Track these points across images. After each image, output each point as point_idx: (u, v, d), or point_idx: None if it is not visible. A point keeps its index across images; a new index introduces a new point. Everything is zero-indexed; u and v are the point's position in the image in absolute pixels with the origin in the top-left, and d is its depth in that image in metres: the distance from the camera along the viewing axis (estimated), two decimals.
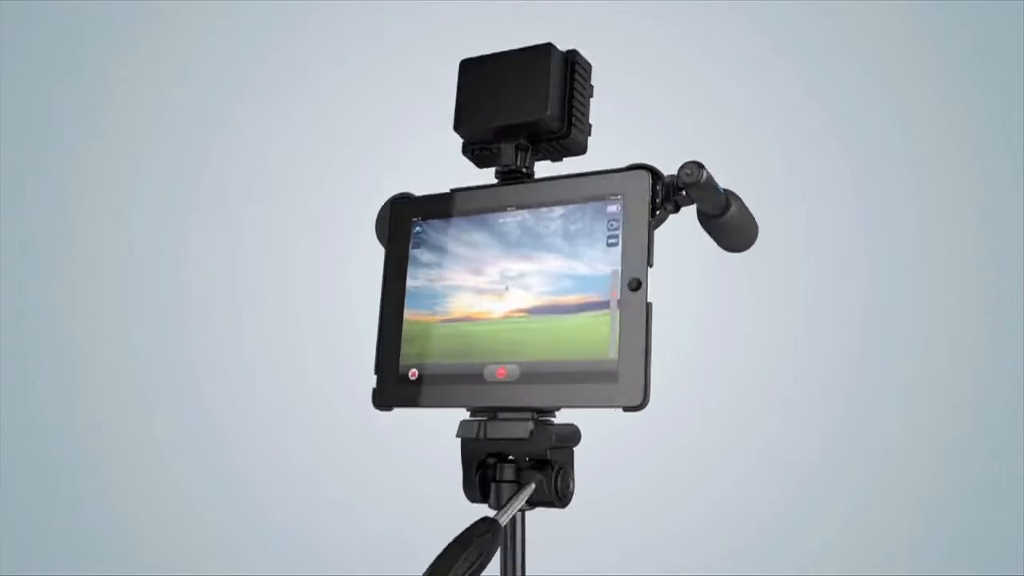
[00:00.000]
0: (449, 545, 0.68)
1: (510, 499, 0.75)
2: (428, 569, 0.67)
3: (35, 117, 1.60)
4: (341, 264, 1.60)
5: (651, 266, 0.75)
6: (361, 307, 1.60)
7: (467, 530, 0.70)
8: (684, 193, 0.76)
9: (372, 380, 0.83)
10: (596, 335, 0.75)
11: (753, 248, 0.88)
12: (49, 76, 1.60)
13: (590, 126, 0.85)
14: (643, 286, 0.74)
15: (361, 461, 1.54)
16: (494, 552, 0.71)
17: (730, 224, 0.81)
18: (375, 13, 1.59)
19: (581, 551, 1.43)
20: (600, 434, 0.81)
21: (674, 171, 0.76)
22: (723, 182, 0.79)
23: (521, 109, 0.81)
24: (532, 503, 0.77)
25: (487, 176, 0.88)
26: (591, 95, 0.85)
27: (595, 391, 0.74)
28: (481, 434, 0.77)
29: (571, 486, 0.77)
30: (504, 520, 0.72)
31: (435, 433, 0.84)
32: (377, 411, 0.82)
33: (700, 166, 0.74)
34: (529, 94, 0.81)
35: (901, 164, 1.61)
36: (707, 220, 0.81)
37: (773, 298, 1.57)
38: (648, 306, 0.74)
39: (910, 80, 1.60)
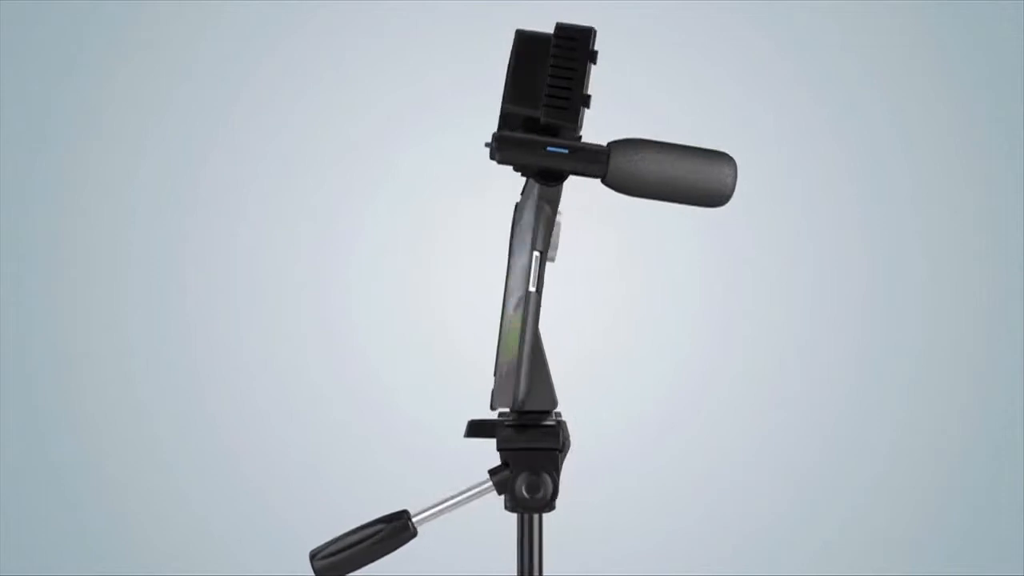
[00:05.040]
0: (352, 528, 0.71)
1: (459, 494, 0.74)
2: (318, 546, 0.70)
3: (35, 117, 1.60)
4: (342, 264, 1.60)
5: (537, 250, 0.70)
6: (362, 307, 1.60)
7: (377, 518, 0.72)
8: None
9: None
10: (517, 333, 0.75)
11: (752, 248, 0.86)
12: (49, 76, 1.60)
13: (584, 97, 0.76)
14: (531, 275, 0.71)
15: (362, 461, 1.54)
16: (390, 542, 0.71)
17: (626, 182, 0.72)
18: (375, 13, 1.59)
19: (581, 551, 1.43)
20: (601, 434, 0.80)
21: None
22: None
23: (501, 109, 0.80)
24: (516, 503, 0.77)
25: None
26: (587, 62, 0.77)
27: (502, 391, 0.74)
28: (464, 433, 0.79)
29: (542, 491, 0.75)
30: (420, 517, 0.72)
31: (437, 433, 0.84)
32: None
33: (495, 138, 0.68)
34: (503, 92, 0.79)
35: (901, 164, 1.61)
36: (605, 184, 0.73)
37: (773, 298, 1.57)
38: (528, 296, 0.70)
39: (910, 80, 1.60)
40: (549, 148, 0.69)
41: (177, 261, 1.60)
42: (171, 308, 1.60)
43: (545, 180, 0.71)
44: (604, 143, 0.76)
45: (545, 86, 0.76)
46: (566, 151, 0.70)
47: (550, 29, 0.79)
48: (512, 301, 0.78)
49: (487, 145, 0.68)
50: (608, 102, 0.82)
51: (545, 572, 0.79)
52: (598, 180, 0.71)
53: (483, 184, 0.87)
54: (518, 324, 0.73)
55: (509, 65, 0.76)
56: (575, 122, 0.76)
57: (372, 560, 0.70)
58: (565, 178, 0.71)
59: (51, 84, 1.60)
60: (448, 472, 0.85)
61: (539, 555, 0.78)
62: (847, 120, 1.61)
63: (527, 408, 0.78)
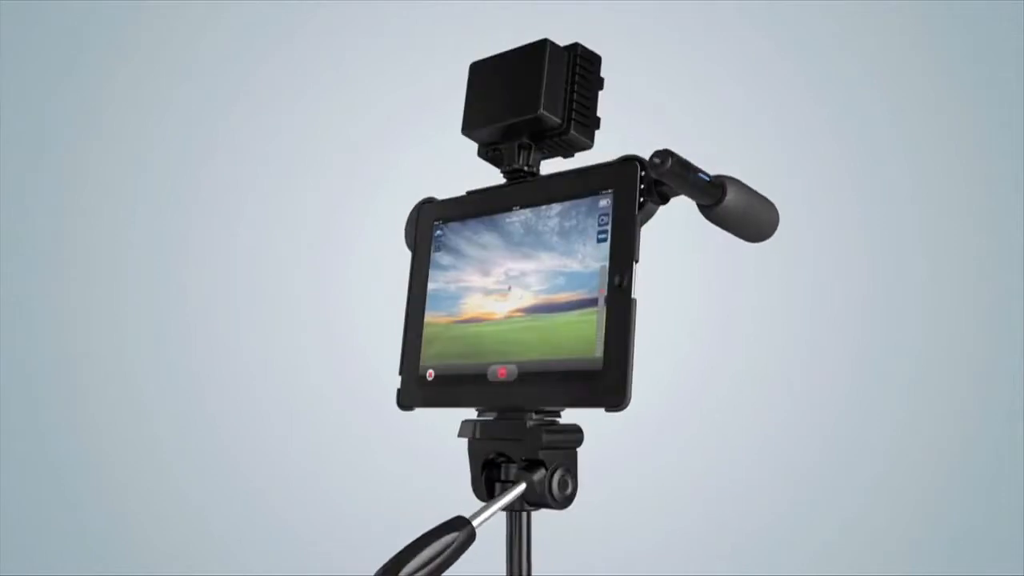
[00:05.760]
0: (414, 540, 0.68)
1: (491, 500, 0.74)
2: (386, 563, 0.67)
3: (35, 117, 1.60)
4: (341, 264, 1.60)
5: (637, 261, 0.73)
6: (361, 307, 1.60)
7: (436, 527, 0.70)
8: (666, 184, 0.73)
9: (380, 380, 0.85)
10: (585, 333, 0.74)
11: (753, 248, 0.86)
12: (49, 76, 1.60)
13: (598, 119, 0.83)
14: (628, 282, 0.73)
15: (362, 461, 1.54)
16: (460, 551, 0.70)
17: (729, 213, 0.77)
18: (376, 13, 1.59)
19: (582, 551, 1.43)
20: (600, 434, 0.81)
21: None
22: None
23: (516, 108, 0.81)
24: (531, 504, 0.77)
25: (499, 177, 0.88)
26: (599, 87, 0.83)
27: (580, 391, 0.72)
28: (478, 434, 0.79)
29: (570, 488, 0.76)
30: (479, 520, 0.72)
31: (437, 433, 0.84)
32: (400, 411, 0.86)
33: (668, 154, 0.70)
34: (524, 92, 0.81)
35: (901, 164, 1.61)
36: (705, 211, 0.77)
37: (773, 298, 1.57)
38: (632, 302, 0.72)
39: (910, 80, 1.60)
40: (700, 175, 0.73)
41: (177, 261, 1.60)
42: (171, 308, 1.60)
43: (660, 199, 0.75)
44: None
45: (572, 102, 0.81)
46: (709, 179, 0.74)
47: (551, 31, 0.81)
48: (540, 301, 0.78)
49: (656, 159, 0.71)
50: (609, 102, 0.83)
51: (541, 572, 0.79)
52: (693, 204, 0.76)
53: (483, 184, 0.87)
54: (591, 324, 0.74)
55: (540, 73, 0.80)
56: (593, 141, 0.83)
57: (447, 569, 0.70)
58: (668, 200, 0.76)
59: (51, 84, 1.60)
60: (448, 471, 0.85)
61: (528, 554, 0.79)
62: (847, 120, 1.61)
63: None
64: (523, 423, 0.76)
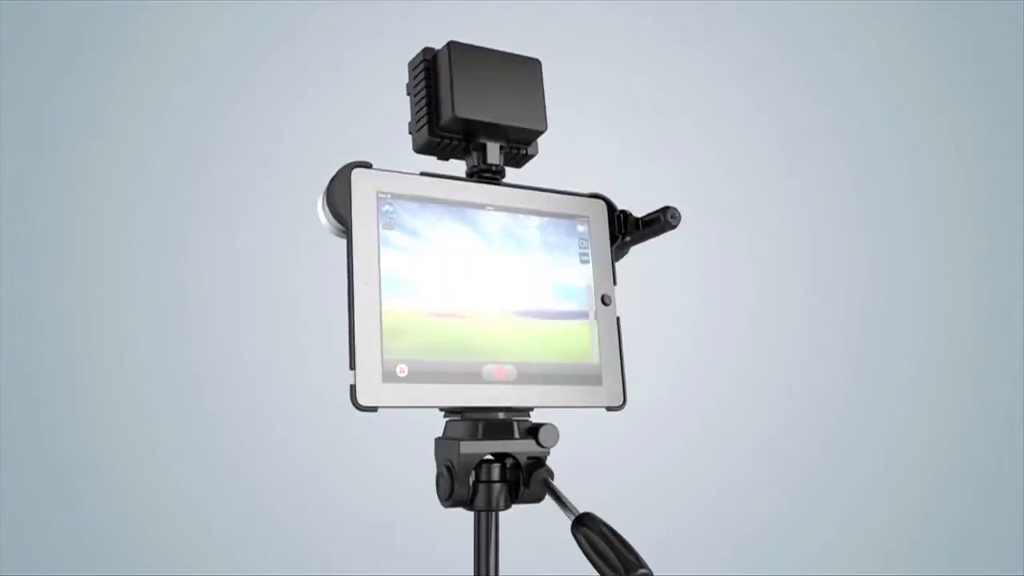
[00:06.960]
0: (611, 545, 0.73)
1: (558, 494, 0.75)
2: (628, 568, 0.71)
3: (35, 117, 1.60)
4: (341, 264, 1.60)
5: (615, 284, 0.83)
6: None
7: (599, 528, 0.73)
8: (642, 229, 0.84)
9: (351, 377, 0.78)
10: (580, 341, 0.80)
11: (753, 249, 0.90)
12: (49, 76, 1.60)
13: None
14: (612, 302, 0.82)
15: (361, 461, 1.54)
16: None
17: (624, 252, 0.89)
18: (376, 13, 1.59)
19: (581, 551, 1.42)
20: (602, 434, 0.81)
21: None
22: (725, 181, 0.80)
23: (522, 116, 0.83)
24: (527, 500, 0.77)
25: (442, 166, 0.88)
26: None
27: (583, 392, 0.79)
28: (502, 435, 0.78)
29: None
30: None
31: (436, 433, 0.84)
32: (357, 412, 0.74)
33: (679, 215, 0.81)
34: (529, 105, 0.83)
35: (901, 164, 1.61)
36: (620, 247, 0.88)
37: (773, 298, 1.57)
38: (617, 320, 0.82)
39: (910, 80, 1.60)
40: None
41: (177, 261, 1.60)
42: (171, 308, 1.60)
43: (632, 239, 0.87)
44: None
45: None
46: None
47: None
48: (549, 309, 0.80)
49: (676, 213, 0.82)
50: (610, 102, 0.83)
51: (546, 572, 0.79)
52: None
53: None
54: (586, 334, 0.80)
55: (541, 92, 0.85)
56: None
57: None
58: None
59: (51, 84, 1.60)
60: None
61: (497, 552, 0.79)
62: (847, 120, 1.61)
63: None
64: (529, 422, 0.77)
